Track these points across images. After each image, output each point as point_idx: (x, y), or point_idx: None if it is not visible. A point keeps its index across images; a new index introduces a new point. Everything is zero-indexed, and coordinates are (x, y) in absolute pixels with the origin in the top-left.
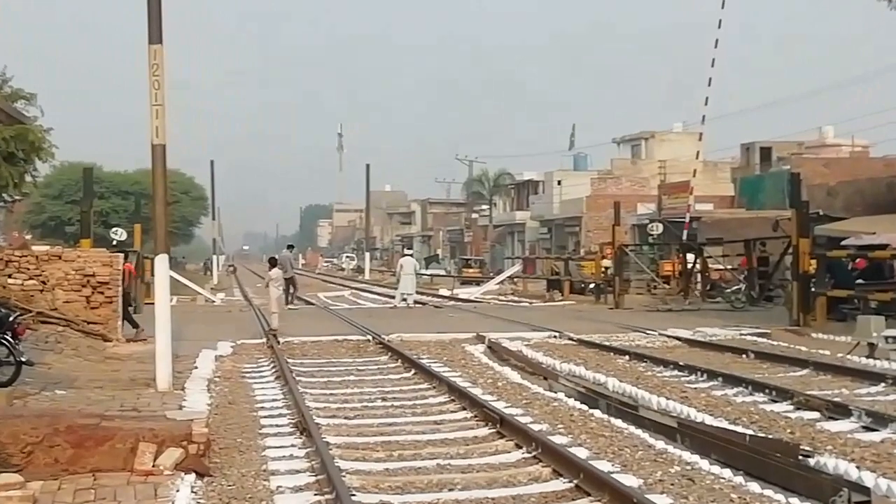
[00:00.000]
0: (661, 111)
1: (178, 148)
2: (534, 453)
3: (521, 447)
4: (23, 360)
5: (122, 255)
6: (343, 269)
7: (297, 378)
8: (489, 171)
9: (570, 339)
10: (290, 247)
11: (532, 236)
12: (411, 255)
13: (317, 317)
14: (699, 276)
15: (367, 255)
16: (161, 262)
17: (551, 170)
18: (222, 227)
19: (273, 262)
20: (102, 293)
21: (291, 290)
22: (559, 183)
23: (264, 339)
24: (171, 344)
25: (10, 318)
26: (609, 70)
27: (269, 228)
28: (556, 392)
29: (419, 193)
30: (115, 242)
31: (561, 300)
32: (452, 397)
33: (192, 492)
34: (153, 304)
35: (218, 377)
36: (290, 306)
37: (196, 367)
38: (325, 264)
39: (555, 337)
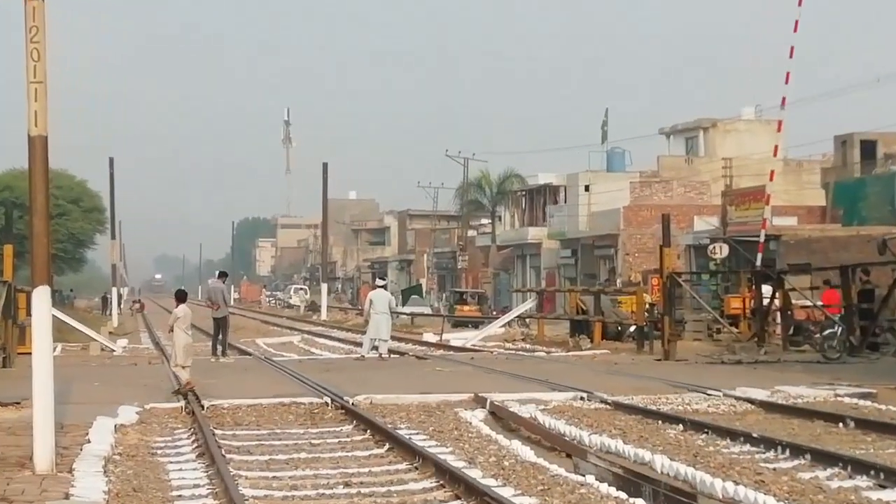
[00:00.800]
0: (725, 93)
1: (66, 142)
2: None
3: None
4: None
5: None
6: (291, 307)
7: (228, 456)
8: (491, 173)
9: (603, 401)
10: (223, 275)
11: (550, 261)
12: (385, 287)
13: (255, 371)
14: (779, 315)
15: (325, 286)
16: (40, 296)
17: (576, 171)
18: (125, 250)
19: (181, 297)
20: None
21: (221, 335)
22: (587, 188)
23: (182, 403)
24: (53, 409)
25: None
26: (652, 37)
27: (190, 251)
28: (583, 474)
29: (395, 203)
30: None
31: (590, 348)
32: (441, 482)
33: None
34: (29, 354)
35: (118, 455)
36: (222, 358)
37: (88, 441)
38: (267, 299)
39: (582, 399)
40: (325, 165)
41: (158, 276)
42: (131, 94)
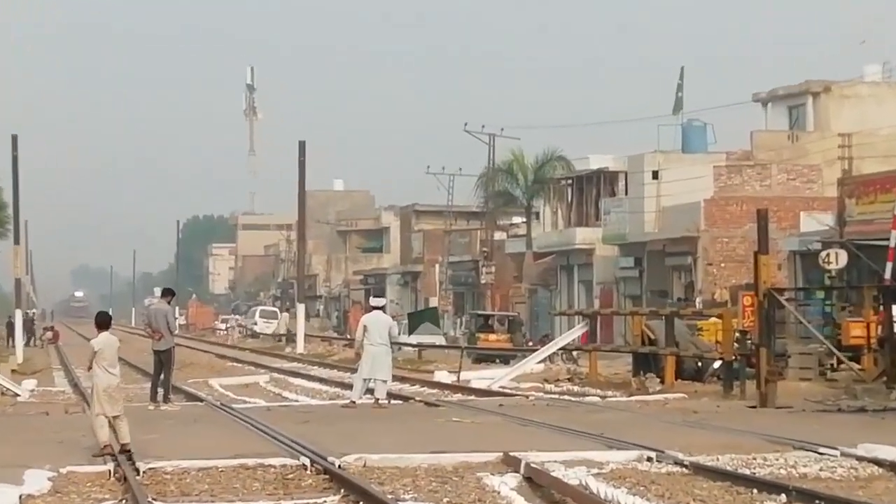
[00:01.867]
0: (841, 46)
1: None
2: None
3: None
4: None
5: None
6: (257, 335)
7: None
8: (526, 155)
9: (679, 463)
10: (167, 293)
11: (606, 273)
12: (383, 310)
13: (209, 423)
14: None
15: (301, 308)
16: None
17: (641, 151)
18: (33, 259)
19: (103, 323)
20: None
21: (164, 375)
22: (655, 175)
23: (111, 465)
24: None
25: None
26: None
27: (120, 261)
28: None
29: (397, 195)
30: None
31: (660, 391)
32: None
33: None
34: None
35: None
36: (164, 405)
37: None
38: (224, 325)
39: (649, 460)
40: (301, 145)
41: (79, 294)
42: (41, 66)
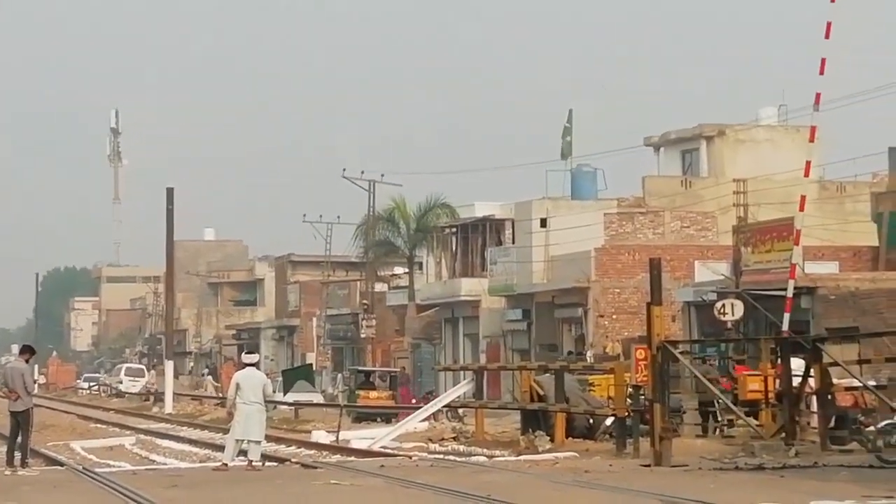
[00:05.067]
0: (736, 88)
1: None
2: None
3: None
4: None
5: None
6: (122, 395)
7: None
8: (408, 202)
9: None
10: (26, 350)
11: (492, 326)
12: (256, 366)
13: (69, 489)
14: (815, 400)
15: (170, 365)
16: None
17: (528, 199)
18: None
19: None
20: None
21: (21, 437)
22: (543, 223)
23: None
24: None
25: None
26: (633, 14)
27: None
28: None
29: (271, 245)
30: None
31: (550, 450)
32: None
33: None
34: None
35: None
36: (21, 469)
37: None
38: (87, 384)
39: None
40: (169, 192)
41: None
42: None
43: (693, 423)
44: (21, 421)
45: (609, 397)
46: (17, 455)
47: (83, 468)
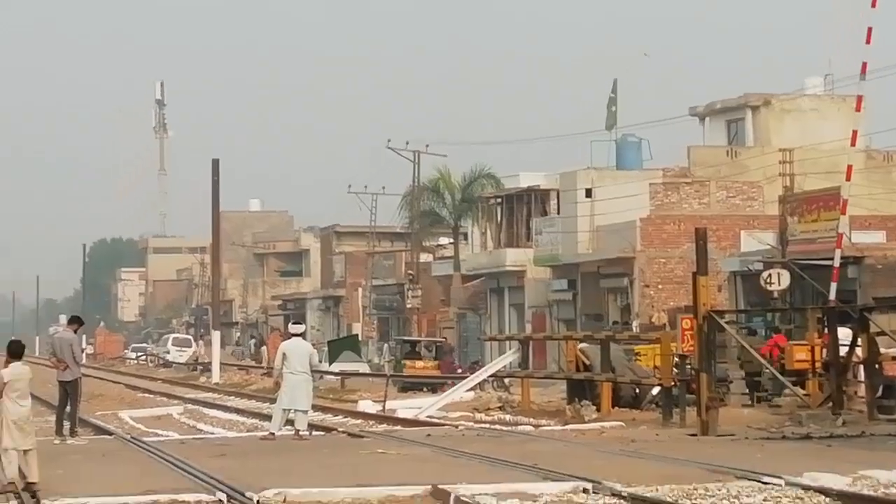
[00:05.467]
0: (782, 58)
1: None
2: None
3: None
4: None
5: None
6: (170, 365)
7: None
8: (454, 173)
9: (616, 494)
10: (74, 321)
11: (538, 296)
12: (302, 336)
13: (118, 458)
14: (862, 369)
15: (217, 336)
16: None
17: (573, 169)
18: None
19: (15, 352)
20: None
21: (70, 407)
22: (588, 193)
23: (13, 503)
24: None
25: None
26: None
27: (22, 287)
28: None
29: (317, 216)
30: None
31: (596, 419)
32: None
33: None
34: None
35: None
36: (70, 438)
37: None
38: (134, 354)
39: (585, 491)
40: (215, 163)
41: None
42: None
43: (739, 392)
44: (70, 390)
45: (655, 367)
46: (66, 424)
47: (131, 437)
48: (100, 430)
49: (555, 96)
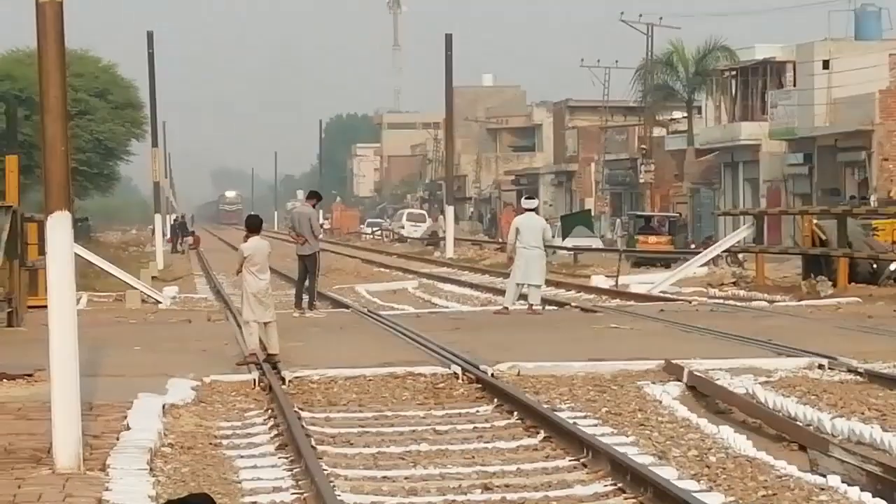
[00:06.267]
0: None
1: (86, 11)
2: None
3: None
4: None
5: None
6: (404, 240)
7: (320, 449)
8: (687, 46)
9: (852, 371)
10: (312, 196)
11: (773, 170)
12: (536, 211)
13: (355, 331)
14: None
15: (450, 210)
16: (58, 227)
17: (810, 40)
18: (171, 161)
19: (254, 226)
20: None
21: (309, 280)
22: (826, 65)
23: (256, 375)
24: (78, 384)
25: None
26: None
27: (261, 163)
28: (823, 474)
29: (549, 90)
30: None
31: (832, 295)
32: (619, 484)
33: None
34: (43, 307)
35: (169, 446)
36: (309, 311)
37: (127, 428)
38: (370, 229)
39: (821, 367)
40: (448, 38)
41: (231, 195)
42: None
43: None
44: (308, 265)
45: (893, 242)
46: (305, 298)
47: (368, 311)
48: (337, 304)
49: None
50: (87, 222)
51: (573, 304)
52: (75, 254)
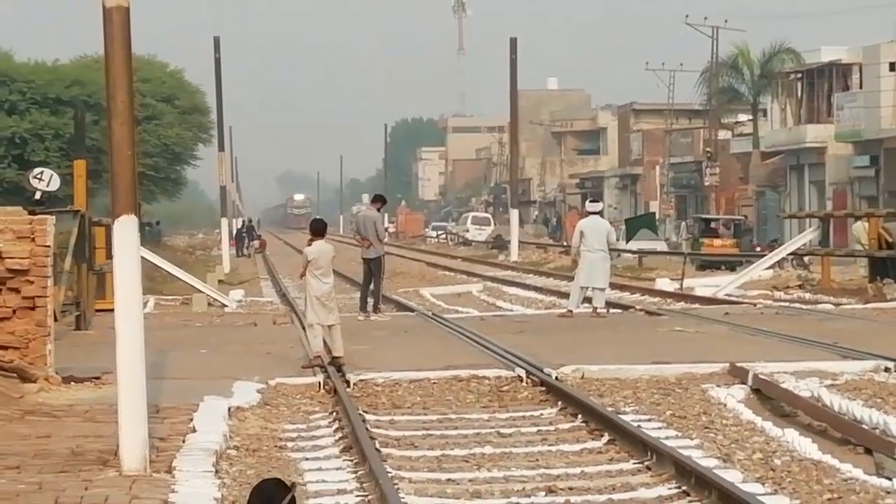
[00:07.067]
0: None
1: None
2: None
3: None
4: None
5: (50, 217)
6: (468, 243)
7: (385, 451)
8: (752, 48)
9: None
10: (377, 199)
11: (839, 173)
12: (600, 214)
13: (420, 334)
14: None
15: (515, 214)
16: (125, 231)
17: (877, 42)
18: (237, 165)
19: (318, 230)
20: (18, 291)
21: (374, 284)
22: (893, 67)
23: (321, 377)
24: (144, 387)
25: None
26: None
27: (326, 167)
28: (890, 477)
29: (614, 94)
30: (38, 196)
31: None
32: (683, 487)
33: None
34: (110, 311)
35: (234, 449)
36: (374, 315)
37: (193, 431)
38: (434, 233)
39: (887, 371)
40: (512, 42)
41: (300, 198)
42: None
43: None
44: (373, 268)
45: None
46: (370, 301)
47: (432, 314)
48: (402, 307)
49: None
50: (157, 226)
51: (637, 307)
52: (142, 257)
